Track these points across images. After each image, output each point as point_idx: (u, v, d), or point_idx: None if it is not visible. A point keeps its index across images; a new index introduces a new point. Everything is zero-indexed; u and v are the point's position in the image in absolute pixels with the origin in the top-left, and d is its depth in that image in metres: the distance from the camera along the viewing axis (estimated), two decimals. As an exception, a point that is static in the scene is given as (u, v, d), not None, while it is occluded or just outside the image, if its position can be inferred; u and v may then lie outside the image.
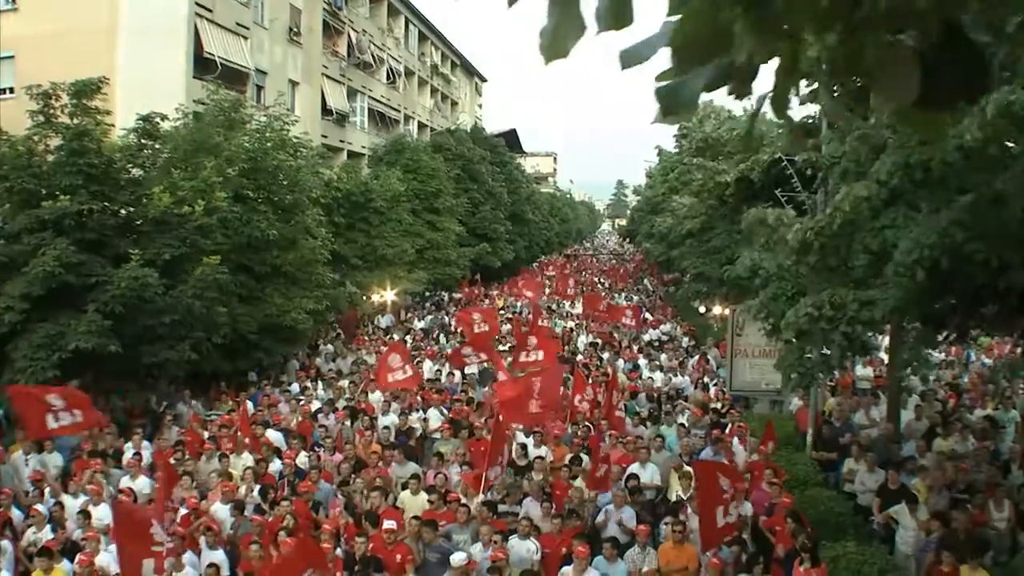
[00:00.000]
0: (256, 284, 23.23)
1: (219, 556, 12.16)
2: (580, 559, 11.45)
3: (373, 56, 52.84)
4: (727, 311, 35.53)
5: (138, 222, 19.57)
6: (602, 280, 66.25)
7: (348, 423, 19.04)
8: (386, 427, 18.37)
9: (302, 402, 21.11)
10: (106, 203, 18.76)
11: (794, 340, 13.53)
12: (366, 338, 34.34)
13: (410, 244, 37.66)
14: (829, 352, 12.06)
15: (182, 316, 18.69)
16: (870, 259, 11.09)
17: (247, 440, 17.14)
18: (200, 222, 19.61)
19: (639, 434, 18.31)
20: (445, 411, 20.25)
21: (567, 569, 11.60)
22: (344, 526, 12.95)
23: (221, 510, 13.85)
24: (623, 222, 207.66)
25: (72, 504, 14.09)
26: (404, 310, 43.16)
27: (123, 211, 19.39)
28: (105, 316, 17.54)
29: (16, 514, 13.76)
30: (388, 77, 56.96)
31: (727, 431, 18.37)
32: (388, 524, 12.42)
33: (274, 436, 17.38)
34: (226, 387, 23.44)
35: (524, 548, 12.40)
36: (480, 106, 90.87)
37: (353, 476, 15.11)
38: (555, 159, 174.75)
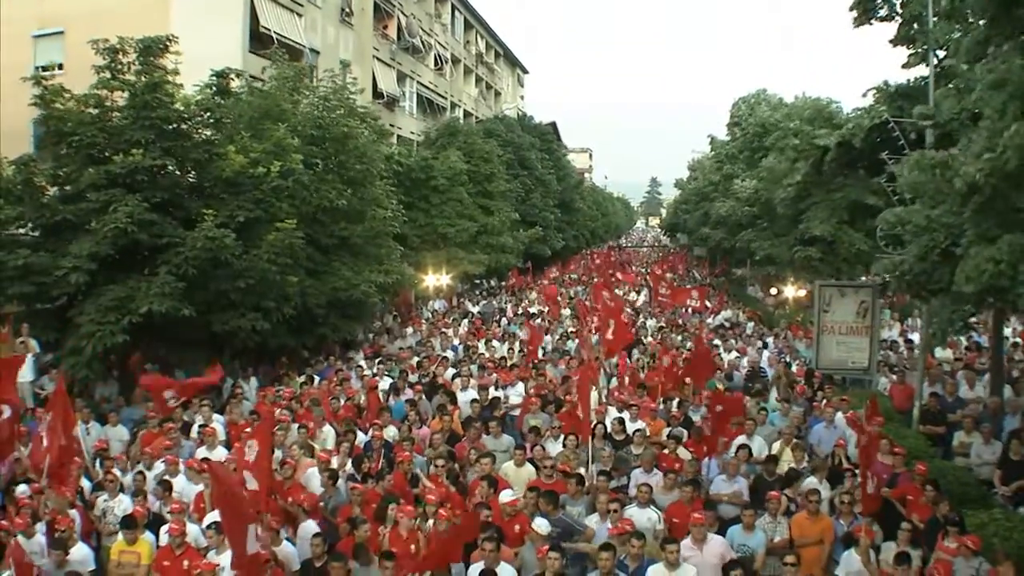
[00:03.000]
0: (323, 257, 22.31)
1: (314, 528, 11.30)
2: (697, 526, 10.60)
3: (422, 41, 52.09)
4: (801, 291, 34.66)
5: (208, 184, 18.54)
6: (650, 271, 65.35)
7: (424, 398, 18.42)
8: (474, 400, 17.73)
9: (373, 377, 20.48)
10: (179, 160, 17.75)
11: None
12: (424, 320, 33.49)
13: (470, 224, 36.74)
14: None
15: (256, 282, 17.79)
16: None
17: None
18: (275, 184, 18.66)
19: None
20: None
21: (686, 540, 10.68)
22: (448, 496, 12.04)
23: (313, 481, 13.10)
24: (656, 220, 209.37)
25: (149, 476, 13.39)
26: (456, 296, 42.33)
27: (195, 171, 18.36)
28: (178, 279, 16.66)
29: (85, 484, 13.11)
30: (436, 63, 56.23)
31: (824, 405, 17.57)
32: (507, 496, 11.51)
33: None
34: (288, 364, 22.65)
35: (645, 517, 11.59)
36: (522, 97, 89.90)
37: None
38: (591, 155, 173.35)
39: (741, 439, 14.87)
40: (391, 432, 15.55)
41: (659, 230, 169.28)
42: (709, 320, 34.81)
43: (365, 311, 24.99)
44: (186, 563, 10.46)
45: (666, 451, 14.48)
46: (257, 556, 9.56)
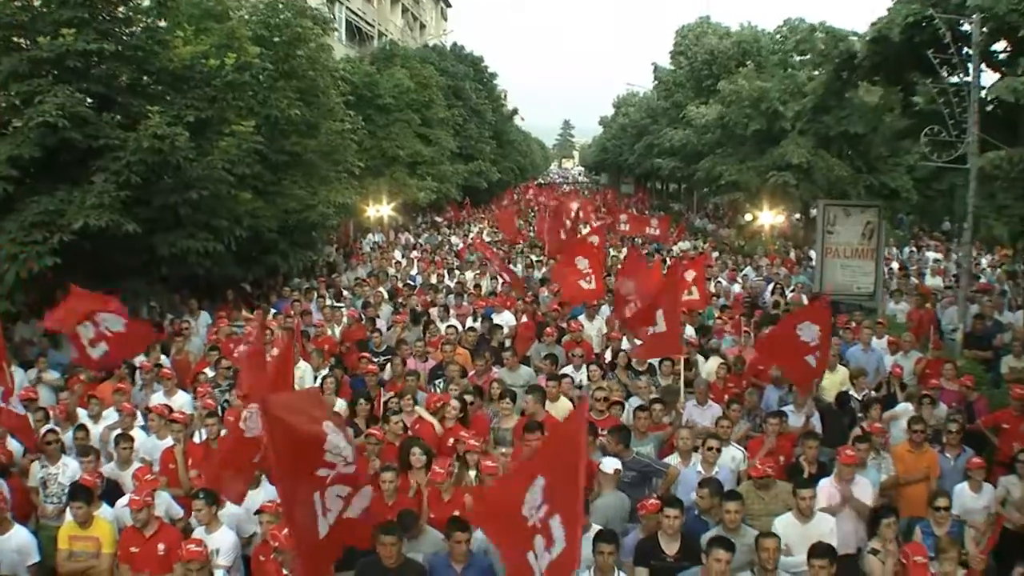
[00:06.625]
0: (272, 176, 19.54)
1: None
2: (849, 465, 8.63)
3: (349, -41, 48.95)
4: (779, 218, 33.01)
5: (151, 78, 15.58)
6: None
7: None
8: (472, 329, 15.95)
9: (343, 308, 18.39)
10: (118, 47, 14.67)
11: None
12: (366, 252, 31.01)
13: (420, 147, 34.14)
14: None
15: (209, 195, 15.07)
16: None
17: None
18: (229, 79, 15.81)
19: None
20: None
21: (826, 481, 8.67)
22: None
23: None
24: (570, 163, 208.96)
25: (94, 431, 10.76)
26: (394, 230, 39.88)
27: (136, 63, 15.25)
28: (118, 187, 13.82)
29: (15, 446, 10.36)
30: (363, -14, 53.10)
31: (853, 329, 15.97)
32: None
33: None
34: (234, 298, 20.00)
35: (729, 456, 9.57)
36: (445, 32, 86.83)
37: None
38: (505, 96, 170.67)
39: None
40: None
41: (577, 170, 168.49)
42: (673, 249, 32.98)
43: (319, 237, 22.40)
44: (162, 547, 7.96)
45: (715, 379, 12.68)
46: (333, 542, 6.57)
